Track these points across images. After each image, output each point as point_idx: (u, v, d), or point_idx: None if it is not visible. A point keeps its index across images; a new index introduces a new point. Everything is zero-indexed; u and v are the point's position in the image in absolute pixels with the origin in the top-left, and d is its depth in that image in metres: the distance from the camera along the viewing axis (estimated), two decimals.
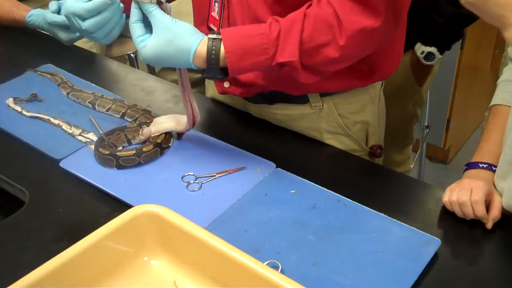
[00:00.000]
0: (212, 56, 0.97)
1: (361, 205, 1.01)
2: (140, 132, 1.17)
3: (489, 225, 0.96)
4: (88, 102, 1.30)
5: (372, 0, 0.96)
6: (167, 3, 1.01)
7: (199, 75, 1.82)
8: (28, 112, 1.26)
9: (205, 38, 0.98)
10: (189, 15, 1.26)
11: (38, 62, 1.46)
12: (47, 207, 1.04)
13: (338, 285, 0.86)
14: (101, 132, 1.18)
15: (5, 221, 1.02)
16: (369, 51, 1.06)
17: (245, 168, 1.10)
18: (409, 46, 1.68)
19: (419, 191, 1.10)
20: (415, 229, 0.96)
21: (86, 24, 1.08)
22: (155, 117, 1.20)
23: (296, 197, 1.03)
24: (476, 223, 0.98)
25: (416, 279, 0.87)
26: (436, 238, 0.94)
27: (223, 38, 0.98)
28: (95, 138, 1.17)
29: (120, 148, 1.16)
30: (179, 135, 1.19)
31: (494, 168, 1.02)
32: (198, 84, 1.80)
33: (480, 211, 0.96)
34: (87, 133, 1.19)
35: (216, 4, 1.13)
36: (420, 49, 1.66)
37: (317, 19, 0.97)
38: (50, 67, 1.45)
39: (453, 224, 0.99)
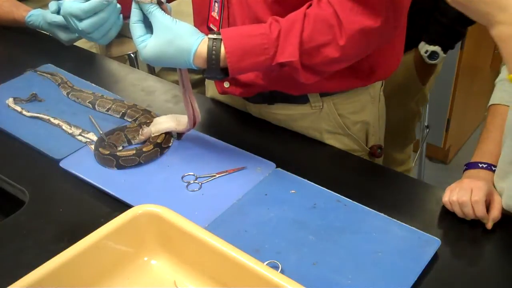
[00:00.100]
0: (212, 56, 0.97)
1: (361, 205, 1.01)
2: (140, 132, 1.17)
3: (489, 225, 0.96)
4: (88, 102, 1.30)
5: (372, 0, 0.96)
6: (167, 4, 1.01)
7: (199, 76, 1.82)
8: (28, 112, 1.26)
9: (206, 38, 0.99)
10: (189, 16, 1.26)
11: (38, 62, 1.46)
12: (47, 207, 1.04)
13: (338, 285, 0.86)
14: (101, 132, 1.18)
15: (5, 221, 1.02)
16: (369, 51, 1.06)
17: (245, 168, 1.10)
18: (413, 45, 1.68)
19: (419, 191, 1.10)
20: (415, 229, 0.96)
21: (83, 25, 1.08)
22: (155, 117, 1.20)
23: (296, 197, 1.03)
24: (476, 223, 0.98)
25: (416, 279, 0.87)
26: (436, 238, 0.94)
27: (223, 38, 0.98)
28: (95, 138, 1.17)
29: (120, 148, 1.16)
30: (179, 135, 1.19)
31: (493, 168, 1.02)
32: (198, 85, 1.80)
33: (480, 211, 0.96)
34: (87, 133, 1.19)
35: (216, 4, 1.13)
36: (424, 48, 1.66)
37: (317, 19, 0.97)
38: (50, 67, 1.45)
39: (453, 224, 0.99)
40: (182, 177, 1.08)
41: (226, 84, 1.21)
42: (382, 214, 0.99)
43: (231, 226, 0.97)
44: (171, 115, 1.19)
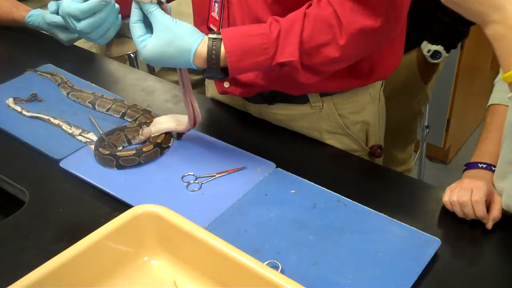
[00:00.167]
0: (212, 56, 0.97)
1: (361, 205, 1.01)
2: (140, 132, 1.17)
3: (489, 225, 0.96)
4: (88, 102, 1.30)
5: (372, 0, 0.96)
6: (167, 4, 1.01)
7: (199, 76, 1.82)
8: (28, 112, 1.26)
9: (206, 38, 0.99)
10: (189, 16, 1.26)
11: (38, 62, 1.46)
12: (47, 207, 1.04)
13: (338, 285, 0.86)
14: (101, 132, 1.18)
15: (5, 221, 1.02)
16: (369, 50, 1.06)
17: (245, 168, 1.10)
18: (416, 44, 1.69)
19: (419, 191, 1.10)
20: (415, 229, 0.96)
21: (81, 25, 1.08)
22: (155, 117, 1.20)
23: (296, 197, 1.03)
24: (476, 223, 0.98)
25: (416, 279, 0.87)
26: (436, 238, 0.94)
27: (223, 38, 0.98)
28: (95, 138, 1.17)
29: (120, 148, 1.16)
30: (179, 135, 1.19)
31: (493, 168, 1.02)
32: (198, 85, 1.80)
33: (481, 211, 0.96)
34: (87, 133, 1.19)
35: (216, 5, 1.13)
36: (427, 47, 1.66)
37: (317, 19, 0.97)
38: (50, 67, 1.45)
39: (453, 224, 0.99)
40: (182, 177, 1.08)
41: (226, 84, 1.21)
42: (382, 214, 0.99)
43: (231, 226, 0.97)
44: (171, 115, 1.19)
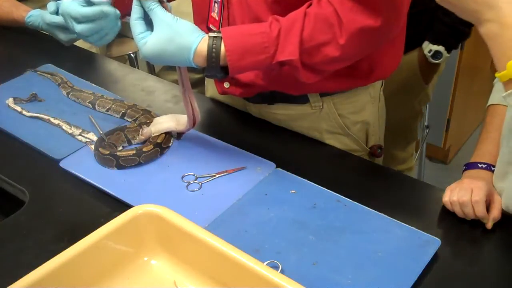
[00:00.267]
0: (212, 54, 0.97)
1: (361, 205, 1.01)
2: (140, 132, 1.17)
3: (489, 225, 0.96)
4: (88, 102, 1.30)
5: (373, 0, 0.96)
6: (167, 2, 1.01)
7: (199, 76, 1.82)
8: (28, 112, 1.26)
9: (206, 36, 0.98)
10: (189, 15, 1.26)
11: (38, 62, 1.46)
12: (47, 207, 1.04)
13: (338, 285, 0.86)
14: (101, 132, 1.18)
15: (5, 221, 1.02)
16: (370, 50, 1.06)
17: (245, 168, 1.10)
18: (417, 44, 1.69)
19: (419, 191, 1.10)
20: (415, 229, 0.96)
21: (79, 28, 1.08)
22: (155, 117, 1.20)
23: (296, 197, 1.03)
24: (476, 223, 0.98)
25: (416, 279, 0.87)
26: (436, 238, 0.94)
27: (224, 36, 0.98)
28: (95, 138, 1.17)
29: (120, 148, 1.16)
30: (179, 135, 1.19)
31: (493, 168, 1.02)
32: (198, 85, 1.80)
33: (481, 211, 0.96)
34: (87, 133, 1.19)
35: (216, 5, 1.13)
36: (428, 47, 1.67)
37: (317, 18, 0.98)
38: (50, 67, 1.45)
39: (453, 224, 0.99)
40: (182, 177, 1.08)
41: (226, 85, 1.21)
42: (382, 214, 0.99)
43: (231, 226, 0.97)
44: (171, 115, 1.19)
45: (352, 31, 0.97)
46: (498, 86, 1.11)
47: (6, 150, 1.18)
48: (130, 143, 1.18)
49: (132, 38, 1.01)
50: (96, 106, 1.29)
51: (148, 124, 1.17)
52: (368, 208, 1.00)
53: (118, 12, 1.09)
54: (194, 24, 1.00)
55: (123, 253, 0.85)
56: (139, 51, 1.01)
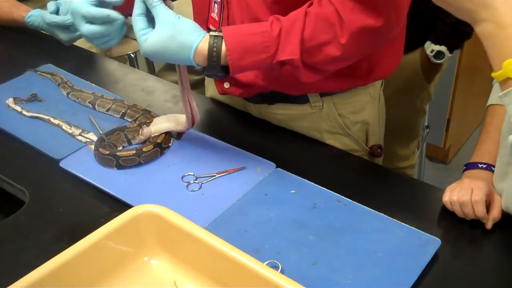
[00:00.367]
0: (213, 53, 0.97)
1: (361, 205, 1.01)
2: (140, 132, 1.17)
3: (489, 225, 0.96)
4: (88, 102, 1.30)
5: (373, 0, 0.96)
6: (170, 1, 1.01)
7: (199, 76, 1.82)
8: (28, 112, 1.26)
9: (207, 35, 0.98)
10: (189, 15, 1.26)
11: (38, 62, 1.46)
12: (47, 207, 1.04)
13: (338, 285, 0.86)
14: (101, 132, 1.18)
15: (5, 221, 1.02)
16: (370, 50, 1.06)
17: (245, 168, 1.10)
18: (419, 44, 1.69)
19: (419, 191, 1.10)
20: (415, 229, 0.96)
21: (86, 29, 1.07)
22: (155, 117, 1.20)
23: (296, 197, 1.03)
24: (476, 223, 0.98)
25: (416, 279, 0.87)
26: (436, 238, 0.94)
27: (225, 36, 0.98)
28: (95, 138, 1.17)
29: (120, 148, 1.16)
30: (179, 135, 1.19)
31: (493, 168, 1.02)
32: (198, 85, 1.80)
33: (481, 211, 0.96)
34: (87, 133, 1.19)
35: (216, 5, 1.13)
36: (430, 47, 1.67)
37: (318, 18, 0.98)
38: (50, 67, 1.45)
39: (453, 224, 0.99)
40: (182, 177, 1.08)
41: (226, 85, 1.21)
42: (382, 214, 0.99)
43: (231, 226, 0.97)
44: (170, 115, 1.19)
45: (353, 30, 0.97)
46: (497, 86, 1.11)
47: (6, 150, 1.18)
48: (130, 143, 1.18)
49: (133, 38, 1.01)
50: (96, 106, 1.29)
51: (148, 124, 1.18)
52: (368, 208, 1.00)
53: (124, 18, 1.09)
54: (196, 23, 1.00)
55: (123, 253, 0.85)
56: (139, 47, 1.01)
